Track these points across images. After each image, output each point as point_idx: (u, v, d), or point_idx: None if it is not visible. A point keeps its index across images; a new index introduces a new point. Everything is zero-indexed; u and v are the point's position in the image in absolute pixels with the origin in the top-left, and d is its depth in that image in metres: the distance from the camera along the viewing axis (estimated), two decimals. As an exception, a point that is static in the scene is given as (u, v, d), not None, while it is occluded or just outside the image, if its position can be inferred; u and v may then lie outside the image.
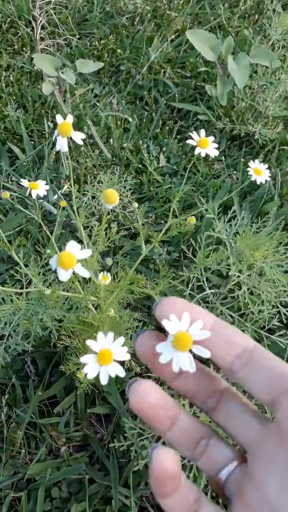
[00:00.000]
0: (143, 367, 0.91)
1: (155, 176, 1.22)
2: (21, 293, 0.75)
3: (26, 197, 1.09)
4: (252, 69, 1.36)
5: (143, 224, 1.12)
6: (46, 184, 0.68)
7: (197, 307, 0.27)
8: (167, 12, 1.63)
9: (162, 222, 1.15)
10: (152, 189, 1.19)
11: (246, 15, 1.71)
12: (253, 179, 0.68)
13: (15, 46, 1.46)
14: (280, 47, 1.34)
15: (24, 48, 1.45)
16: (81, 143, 0.51)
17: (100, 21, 1.59)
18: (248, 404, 0.27)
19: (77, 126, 1.26)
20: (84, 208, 1.03)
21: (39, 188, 0.66)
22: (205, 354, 0.26)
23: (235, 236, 0.81)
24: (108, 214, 1.08)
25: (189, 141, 0.61)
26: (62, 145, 0.51)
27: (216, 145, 0.62)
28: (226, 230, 0.81)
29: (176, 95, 1.40)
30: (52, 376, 0.89)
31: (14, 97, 1.32)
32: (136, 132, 1.30)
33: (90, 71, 1.21)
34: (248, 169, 0.70)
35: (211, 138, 0.61)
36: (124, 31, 1.57)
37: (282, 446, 0.24)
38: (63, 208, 1.08)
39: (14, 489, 0.80)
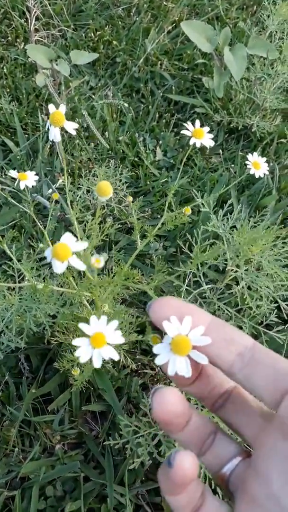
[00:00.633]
0: (139, 363, 0.90)
1: (152, 169, 1.20)
2: (14, 289, 0.73)
3: (20, 191, 1.07)
4: (250, 61, 1.34)
5: (138, 219, 1.10)
6: (37, 174, 0.66)
7: (192, 306, 0.26)
8: (164, 3, 1.61)
9: (159, 216, 1.13)
10: (148, 183, 1.17)
11: (244, 6, 1.69)
12: (251, 172, 0.66)
13: (9, 38, 1.43)
14: (278, 38, 1.32)
15: (18, 40, 1.43)
16: (74, 132, 0.50)
17: (95, 12, 1.56)
18: (253, 400, 0.27)
19: (72, 119, 1.24)
20: (79, 202, 1.01)
21: (28, 178, 0.64)
22: (203, 360, 0.25)
23: (232, 230, 0.80)
24: (104, 208, 1.06)
25: (184, 132, 0.59)
26: (54, 135, 0.50)
27: (212, 136, 0.60)
28: (223, 224, 0.80)
29: (173, 87, 1.38)
30: (46, 373, 0.88)
31: (8, 90, 1.30)
32: (132, 125, 1.28)
33: (85, 62, 1.19)
34: (246, 162, 0.68)
35: (206, 128, 0.60)
36: (120, 22, 1.54)
37: (285, 439, 0.24)
38: (57, 202, 1.06)
39: (8, 488, 0.79)
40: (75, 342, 0.31)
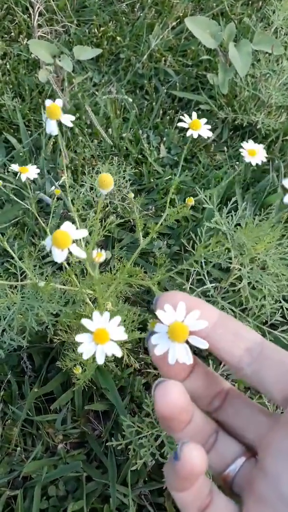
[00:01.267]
0: (142, 363, 0.89)
1: (155, 167, 1.19)
2: (16, 287, 0.72)
3: (23, 189, 1.06)
4: (255, 57, 1.32)
5: (141, 216, 1.09)
6: (41, 171, 0.66)
7: (200, 300, 0.26)
8: (168, -2, 1.59)
9: (162, 214, 1.12)
10: (152, 180, 1.16)
11: (250, 2, 1.67)
12: (247, 160, 0.64)
13: (12, 34, 1.42)
14: (283, 34, 1.31)
15: (21, 36, 1.42)
16: (71, 125, 0.49)
17: (99, 7, 1.55)
18: (252, 401, 0.27)
19: (75, 116, 1.23)
20: (82, 199, 1.00)
21: (29, 171, 0.63)
22: (203, 345, 0.25)
23: (237, 228, 0.79)
24: (107, 206, 1.05)
25: (180, 124, 0.58)
26: (51, 128, 0.49)
27: (209, 126, 0.59)
28: (228, 222, 0.79)
29: (177, 84, 1.37)
30: (49, 372, 0.87)
31: (11, 86, 1.29)
32: (136, 122, 1.27)
33: (88, 58, 1.18)
34: (240, 150, 0.66)
35: (204, 120, 0.59)
36: (124, 18, 1.53)
37: None
38: (60, 199, 1.05)
39: (10, 487, 0.78)
40: (78, 338, 0.31)
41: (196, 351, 0.26)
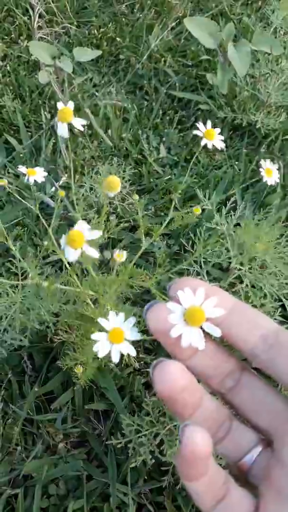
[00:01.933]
0: (142, 362, 0.89)
1: (155, 167, 1.19)
2: (17, 287, 0.73)
3: (23, 189, 1.06)
4: (254, 57, 1.33)
5: (142, 217, 1.09)
6: (44, 171, 0.66)
7: (216, 288, 0.25)
8: (168, -1, 1.60)
9: (162, 214, 1.12)
10: (152, 180, 1.16)
11: (249, 2, 1.68)
12: (264, 180, 0.67)
13: (12, 35, 1.43)
14: (283, 34, 1.31)
15: (21, 37, 1.42)
16: (81, 128, 0.50)
17: (99, 9, 1.55)
18: (268, 385, 0.26)
19: (75, 117, 1.23)
20: (82, 200, 1.01)
21: (37, 174, 0.64)
22: (216, 332, 0.24)
23: (236, 228, 0.79)
24: (107, 206, 1.05)
25: (196, 132, 0.59)
26: (62, 131, 0.50)
27: (222, 137, 0.60)
28: (227, 222, 0.79)
29: (177, 84, 1.37)
30: (49, 372, 0.88)
31: (11, 87, 1.29)
32: (136, 122, 1.27)
33: (88, 59, 1.19)
34: (260, 169, 0.69)
35: (217, 129, 0.59)
36: (123, 19, 1.53)
37: None
38: (61, 200, 1.06)
39: (10, 486, 0.79)
40: (94, 336, 0.31)
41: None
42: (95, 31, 1.47)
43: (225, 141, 1.28)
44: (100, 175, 1.02)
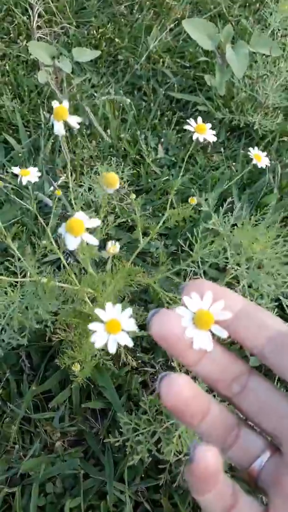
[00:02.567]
0: (140, 361, 0.90)
1: (153, 167, 1.20)
2: (16, 286, 0.73)
3: (22, 189, 1.07)
4: (252, 58, 1.34)
5: (140, 216, 1.10)
6: (40, 171, 0.67)
7: (226, 289, 0.26)
8: (166, 0, 1.60)
9: (160, 214, 1.13)
10: (150, 181, 1.17)
11: (247, 4, 1.68)
12: (254, 163, 0.69)
13: (11, 35, 1.43)
14: (280, 36, 1.32)
15: (21, 37, 1.43)
16: (77, 126, 0.51)
17: (98, 9, 1.56)
18: (276, 388, 0.26)
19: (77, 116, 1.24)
20: (81, 200, 1.01)
21: (31, 174, 0.64)
22: (223, 334, 0.25)
23: (233, 228, 0.80)
24: (105, 206, 1.06)
25: (187, 127, 0.61)
26: (58, 129, 0.51)
27: (214, 132, 0.62)
28: (224, 222, 0.80)
29: (175, 85, 1.38)
30: (47, 371, 0.88)
31: (10, 87, 1.30)
32: (134, 123, 1.28)
33: (87, 60, 1.19)
34: (248, 153, 0.72)
35: (209, 124, 0.62)
36: (122, 20, 1.54)
37: None
38: (59, 199, 1.06)
39: (8, 484, 0.79)
40: (91, 326, 0.32)
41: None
42: (94, 31, 1.48)
43: (222, 142, 1.29)
44: (98, 174, 1.03)
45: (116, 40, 1.47)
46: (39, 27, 1.43)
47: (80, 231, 0.36)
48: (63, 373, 0.86)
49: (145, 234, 0.77)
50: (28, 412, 0.83)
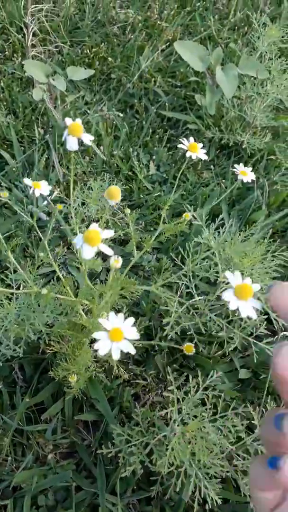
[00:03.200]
0: (131, 374, 0.91)
1: (145, 183, 1.23)
2: (11, 299, 0.74)
3: (16, 203, 1.08)
4: (241, 80, 1.38)
5: (134, 230, 1.12)
6: (47, 183, 0.69)
7: None
8: (158, 22, 1.66)
9: (152, 229, 1.15)
10: (142, 196, 1.20)
11: (236, 27, 1.75)
12: (239, 178, 0.73)
13: (6, 52, 1.46)
14: (268, 59, 1.37)
15: (15, 55, 1.46)
16: (90, 143, 0.54)
17: (91, 29, 1.60)
18: None
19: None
20: (80, 214, 1.04)
21: (42, 187, 0.67)
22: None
23: (224, 243, 0.82)
24: (98, 220, 1.08)
25: (180, 146, 0.66)
26: (72, 144, 0.54)
27: (205, 151, 0.66)
28: (214, 237, 0.82)
29: (166, 104, 1.42)
30: (40, 383, 0.89)
31: (5, 103, 1.32)
32: (127, 140, 1.31)
33: (81, 78, 1.22)
34: (234, 170, 0.75)
35: (200, 144, 0.66)
36: (115, 40, 1.58)
37: None
38: (60, 212, 1.08)
39: (0, 497, 0.79)
40: (95, 335, 0.33)
41: None
42: (88, 50, 1.52)
43: (212, 159, 1.33)
44: (91, 190, 1.05)
45: (109, 59, 1.51)
46: (33, 46, 1.47)
47: (97, 241, 0.38)
48: (56, 385, 0.87)
49: (137, 247, 0.79)
50: (20, 424, 0.84)
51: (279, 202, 1.22)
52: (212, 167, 1.30)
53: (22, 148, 1.24)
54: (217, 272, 0.78)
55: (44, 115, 1.31)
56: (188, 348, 0.65)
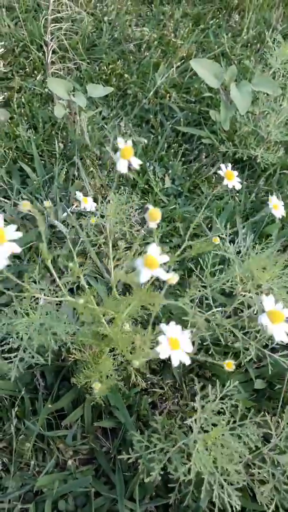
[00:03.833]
0: (149, 382, 0.93)
1: (161, 196, 1.26)
2: (34, 308, 0.77)
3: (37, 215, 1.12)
4: (254, 95, 1.42)
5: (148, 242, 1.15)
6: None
7: None
8: (173, 39, 1.70)
9: (167, 241, 1.18)
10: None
11: (249, 44, 1.79)
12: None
13: (27, 69, 1.51)
14: (281, 76, 1.41)
15: (36, 71, 1.51)
16: (137, 167, 0.56)
17: (108, 47, 1.65)
18: None
19: (87, 148, 1.30)
20: (93, 228, 1.07)
21: (88, 202, 0.72)
22: None
23: (238, 255, 0.85)
24: (116, 232, 1.11)
25: (219, 172, 0.68)
26: (122, 167, 0.56)
27: (239, 180, 0.69)
28: (236, 251, 0.85)
29: (181, 119, 1.46)
30: (60, 390, 0.91)
31: (26, 118, 1.37)
32: (143, 154, 1.35)
33: (100, 95, 1.26)
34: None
35: (236, 172, 0.68)
36: (131, 57, 1.63)
37: None
38: (73, 226, 1.11)
39: (21, 501, 0.81)
40: (160, 338, 0.37)
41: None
42: (105, 67, 1.57)
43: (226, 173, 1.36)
44: (109, 202, 1.08)
45: (125, 75, 1.56)
46: (53, 63, 1.52)
47: (155, 266, 0.41)
48: (76, 392, 0.89)
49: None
50: (42, 430, 0.86)
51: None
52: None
53: (43, 161, 1.28)
54: (235, 284, 0.81)
55: (64, 130, 1.35)
56: (229, 364, 0.68)
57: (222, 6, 1.96)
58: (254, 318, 0.89)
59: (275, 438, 0.77)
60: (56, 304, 0.81)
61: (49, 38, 1.41)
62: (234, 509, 0.68)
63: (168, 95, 1.53)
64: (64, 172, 1.23)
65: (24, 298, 0.78)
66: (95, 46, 1.65)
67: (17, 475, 0.83)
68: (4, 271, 0.51)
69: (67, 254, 1.08)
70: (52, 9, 1.37)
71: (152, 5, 1.90)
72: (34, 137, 1.31)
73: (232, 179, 0.69)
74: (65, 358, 0.89)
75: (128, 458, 0.76)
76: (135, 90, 1.53)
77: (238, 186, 0.70)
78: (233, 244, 0.87)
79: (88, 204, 0.73)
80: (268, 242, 0.94)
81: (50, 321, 0.75)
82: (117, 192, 1.15)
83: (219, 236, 0.90)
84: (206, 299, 0.83)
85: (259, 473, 0.76)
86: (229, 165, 0.71)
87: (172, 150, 1.38)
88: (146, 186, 1.28)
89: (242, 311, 0.87)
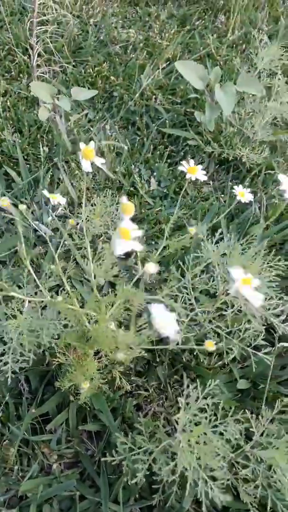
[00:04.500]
0: (134, 385, 0.93)
1: (146, 198, 1.26)
2: (21, 311, 0.77)
3: (21, 219, 1.12)
4: (240, 96, 1.42)
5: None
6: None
7: None
8: (159, 41, 1.71)
9: (153, 242, 1.18)
10: (143, 211, 1.23)
11: (234, 45, 1.80)
12: (238, 199, 0.78)
13: (12, 73, 1.51)
14: (266, 76, 1.41)
15: (21, 75, 1.51)
16: (102, 167, 0.58)
17: (94, 49, 1.65)
18: None
19: (73, 151, 1.31)
20: (91, 232, 1.07)
21: (58, 197, 0.74)
22: None
23: (223, 256, 0.85)
24: (101, 235, 1.11)
25: (180, 168, 0.70)
26: (86, 167, 0.59)
27: (204, 172, 0.70)
28: (213, 251, 0.85)
29: (167, 120, 1.46)
30: (45, 394, 0.91)
31: (11, 122, 1.37)
32: (128, 157, 1.35)
33: (85, 98, 1.27)
34: (233, 191, 0.80)
35: (200, 166, 0.70)
36: (117, 59, 1.63)
37: None
38: (57, 229, 1.11)
39: (6, 506, 0.81)
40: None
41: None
42: (91, 69, 1.57)
43: (211, 174, 1.37)
44: (94, 205, 1.09)
45: (111, 78, 1.56)
46: (38, 66, 1.52)
47: (129, 237, 0.43)
48: (60, 397, 0.89)
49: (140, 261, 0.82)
50: (26, 434, 0.86)
51: (277, 215, 1.25)
52: (211, 181, 1.34)
53: (28, 165, 1.28)
54: (215, 285, 0.81)
55: (49, 133, 1.35)
56: (209, 344, 0.67)
57: (208, 7, 1.97)
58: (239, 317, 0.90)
59: (256, 435, 0.77)
60: (42, 309, 0.81)
61: (35, 41, 1.41)
62: (218, 506, 0.68)
63: (154, 96, 1.53)
64: (50, 176, 1.23)
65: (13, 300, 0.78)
66: (81, 49, 1.65)
67: (1, 480, 0.82)
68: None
69: (53, 257, 1.08)
70: (38, 12, 1.37)
71: (138, 7, 1.90)
72: (19, 141, 1.31)
73: (195, 172, 0.71)
74: (49, 363, 0.89)
75: (113, 461, 0.76)
76: (121, 92, 1.53)
77: (203, 178, 0.72)
78: (217, 245, 0.87)
79: (57, 200, 0.75)
80: (250, 242, 0.95)
81: (37, 322, 0.75)
82: (103, 194, 1.15)
83: (202, 240, 0.90)
84: (189, 299, 0.83)
85: (240, 470, 0.77)
86: (192, 161, 0.74)
87: (158, 152, 1.38)
88: (131, 189, 1.28)
89: (226, 310, 0.87)
